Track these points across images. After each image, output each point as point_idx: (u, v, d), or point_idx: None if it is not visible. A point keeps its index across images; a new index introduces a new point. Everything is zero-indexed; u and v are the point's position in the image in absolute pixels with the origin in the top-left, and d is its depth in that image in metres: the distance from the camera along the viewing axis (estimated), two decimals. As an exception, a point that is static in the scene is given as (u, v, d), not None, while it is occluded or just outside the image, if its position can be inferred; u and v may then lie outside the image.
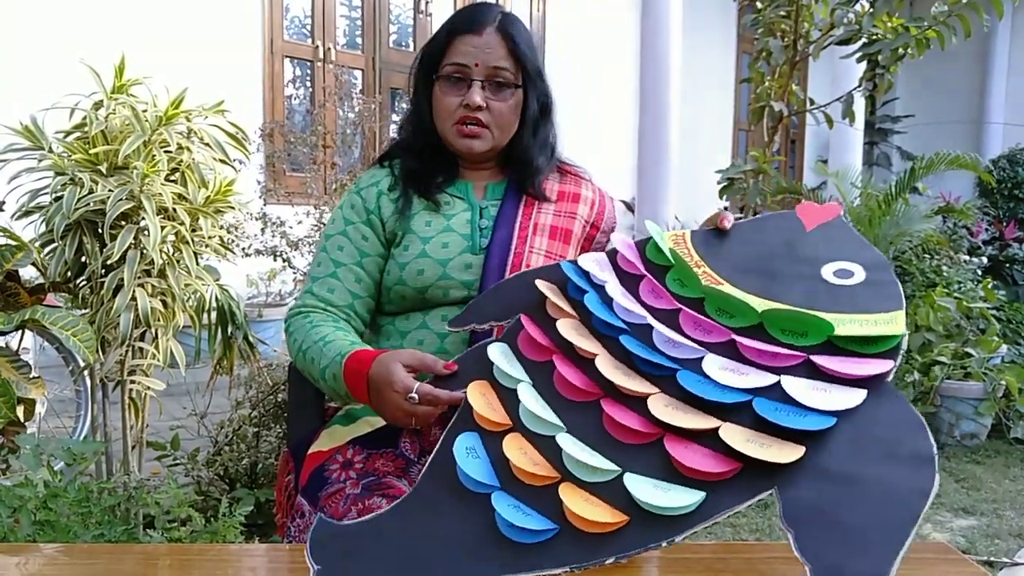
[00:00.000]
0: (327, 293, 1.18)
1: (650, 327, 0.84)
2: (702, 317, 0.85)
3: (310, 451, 1.16)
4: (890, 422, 0.71)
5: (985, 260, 5.29)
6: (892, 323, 0.78)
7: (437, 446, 0.85)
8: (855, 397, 0.72)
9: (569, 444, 0.77)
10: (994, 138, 8.92)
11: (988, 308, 3.86)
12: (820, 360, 0.76)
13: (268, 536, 2.13)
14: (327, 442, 1.16)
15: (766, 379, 0.76)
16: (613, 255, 0.96)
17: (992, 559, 2.32)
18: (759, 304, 0.83)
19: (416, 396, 0.93)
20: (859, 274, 0.84)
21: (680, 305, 0.87)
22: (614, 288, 0.89)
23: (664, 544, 0.70)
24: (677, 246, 0.94)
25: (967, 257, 4.79)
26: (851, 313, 0.80)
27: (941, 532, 2.57)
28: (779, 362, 0.78)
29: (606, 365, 0.82)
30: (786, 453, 0.69)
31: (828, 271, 0.86)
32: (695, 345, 0.82)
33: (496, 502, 0.76)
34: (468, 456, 0.81)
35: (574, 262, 0.95)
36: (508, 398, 0.85)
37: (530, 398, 0.83)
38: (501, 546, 0.74)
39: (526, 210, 1.21)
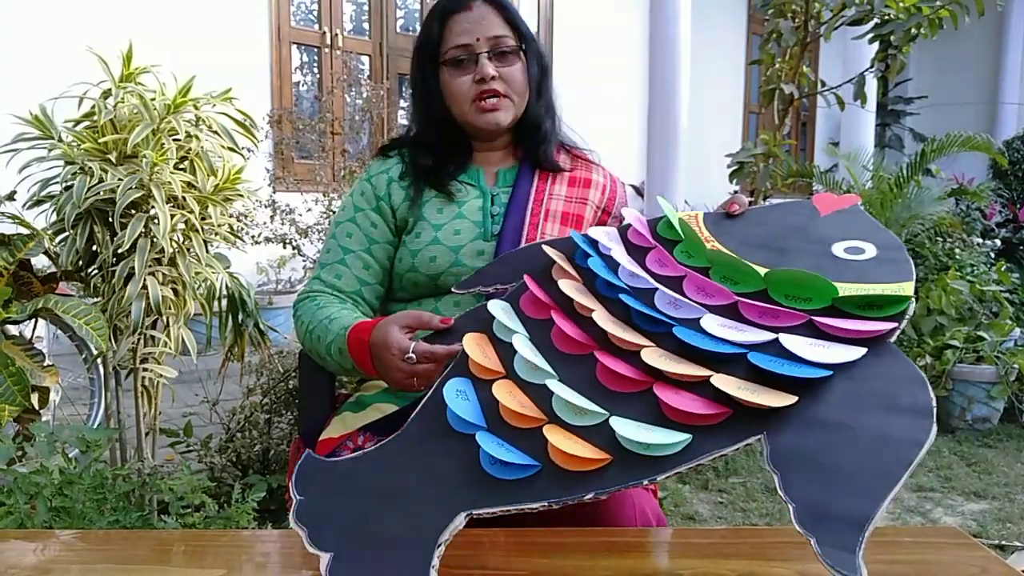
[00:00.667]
0: (335, 279, 1.18)
1: (653, 290, 0.85)
2: (706, 280, 0.85)
3: (321, 438, 1.17)
4: (889, 377, 0.71)
5: (998, 243, 5.23)
6: (900, 289, 0.78)
7: (429, 391, 0.86)
8: (854, 353, 0.72)
9: (559, 388, 0.78)
10: (1008, 118, 8.81)
11: (1001, 291, 3.83)
12: (822, 320, 0.76)
13: (280, 522, 2.15)
14: (338, 428, 1.16)
15: (764, 336, 0.76)
16: (625, 230, 0.97)
17: (1003, 543, 2.31)
18: (761, 270, 0.83)
19: (413, 356, 0.94)
20: (870, 251, 0.84)
21: (685, 271, 0.88)
22: (620, 254, 0.90)
23: (645, 482, 0.70)
24: (690, 223, 0.94)
25: (980, 239, 4.75)
26: (858, 283, 0.80)
27: (952, 516, 2.56)
28: (780, 322, 0.78)
29: (603, 319, 0.82)
30: (778, 399, 0.69)
31: (839, 248, 0.86)
32: (696, 306, 0.82)
33: (481, 439, 0.77)
34: (458, 398, 0.82)
35: (584, 233, 0.95)
36: (503, 349, 0.86)
37: (525, 348, 0.84)
38: (483, 482, 0.75)
39: (537, 196, 1.21)
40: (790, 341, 0.74)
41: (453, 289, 1.04)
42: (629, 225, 0.96)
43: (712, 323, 0.79)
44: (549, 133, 1.23)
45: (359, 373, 1.09)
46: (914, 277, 0.80)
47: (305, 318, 1.14)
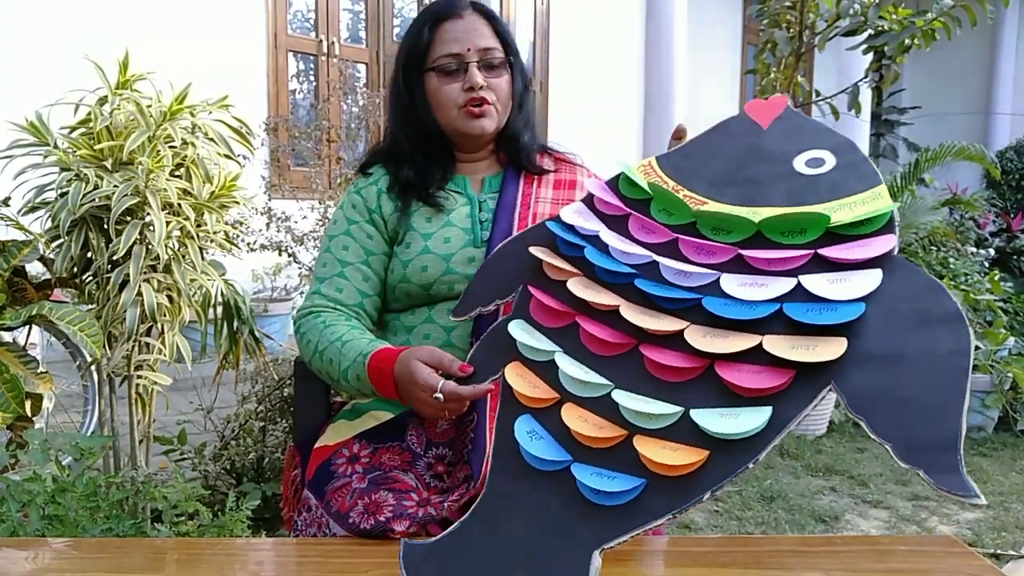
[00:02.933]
0: (336, 293, 1.17)
1: (655, 263, 0.83)
2: (702, 240, 0.84)
3: (316, 445, 1.16)
4: (912, 292, 0.73)
5: (992, 252, 5.26)
6: (878, 198, 0.80)
7: (494, 437, 0.83)
8: (874, 278, 0.74)
9: (624, 398, 0.76)
10: (1001, 128, 8.87)
11: (995, 300, 3.84)
12: (828, 252, 0.77)
13: (275, 530, 2.14)
14: (333, 436, 1.16)
15: (786, 284, 0.76)
16: (590, 201, 0.95)
17: (999, 552, 2.31)
18: (751, 214, 0.83)
19: (441, 396, 0.93)
20: (829, 160, 0.86)
21: (675, 234, 0.86)
22: (608, 235, 0.88)
23: (750, 466, 0.70)
24: (649, 176, 0.92)
25: (974, 249, 4.77)
26: (837, 199, 0.81)
27: (947, 525, 2.56)
28: (790, 264, 0.78)
29: (631, 312, 0.81)
30: (832, 349, 0.71)
31: (800, 163, 0.86)
32: (705, 270, 0.81)
33: (577, 473, 0.75)
34: (531, 439, 0.79)
35: (557, 218, 0.93)
36: (545, 371, 0.83)
37: (569, 365, 0.81)
38: (595, 515, 0.73)
39: (524, 200, 1.21)
40: (812, 283, 0.75)
41: (451, 316, 1.03)
42: (592, 195, 0.94)
43: (732, 285, 0.78)
44: (528, 143, 1.25)
45: (376, 396, 1.08)
46: (880, 179, 0.82)
47: (312, 336, 1.13)
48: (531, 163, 1.24)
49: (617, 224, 0.90)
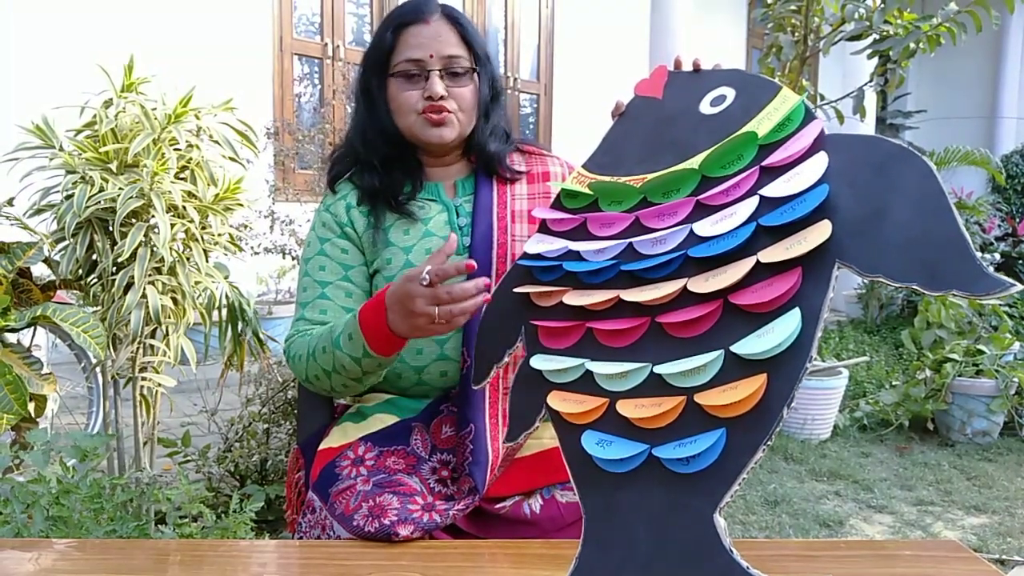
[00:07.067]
0: (320, 315, 1.14)
1: (630, 245, 0.84)
2: (658, 207, 0.86)
3: (321, 447, 1.16)
4: (858, 153, 0.76)
5: (997, 256, 5.25)
6: (786, 99, 0.83)
7: (568, 468, 0.81)
8: (821, 160, 0.76)
9: (667, 368, 0.76)
10: (1007, 132, 8.85)
11: (1000, 305, 3.84)
12: (770, 160, 0.80)
13: (278, 532, 2.14)
14: (338, 438, 1.16)
15: (751, 203, 0.78)
16: (545, 227, 0.95)
17: (1004, 557, 2.31)
18: (692, 163, 0.85)
19: (427, 276, 0.90)
20: (729, 92, 0.88)
21: (634, 215, 0.87)
22: (576, 244, 0.89)
23: (808, 367, 0.70)
24: (582, 182, 0.94)
25: (979, 253, 4.76)
26: (754, 117, 0.84)
27: (952, 530, 2.55)
28: (745, 187, 0.80)
29: (632, 295, 0.81)
30: (820, 233, 0.72)
31: (706, 107, 0.89)
32: (676, 228, 0.83)
33: (660, 454, 0.74)
34: (603, 448, 0.78)
35: (524, 255, 0.93)
36: (584, 385, 0.83)
37: (602, 367, 0.81)
38: (695, 482, 0.73)
39: (500, 199, 1.19)
40: (773, 190, 0.77)
41: (473, 386, 0.98)
42: (544, 220, 0.95)
43: (705, 227, 0.80)
44: (498, 153, 1.21)
45: (367, 366, 1.03)
46: (778, 83, 0.86)
47: (301, 350, 1.10)
48: (501, 168, 1.21)
49: (578, 234, 0.91)
